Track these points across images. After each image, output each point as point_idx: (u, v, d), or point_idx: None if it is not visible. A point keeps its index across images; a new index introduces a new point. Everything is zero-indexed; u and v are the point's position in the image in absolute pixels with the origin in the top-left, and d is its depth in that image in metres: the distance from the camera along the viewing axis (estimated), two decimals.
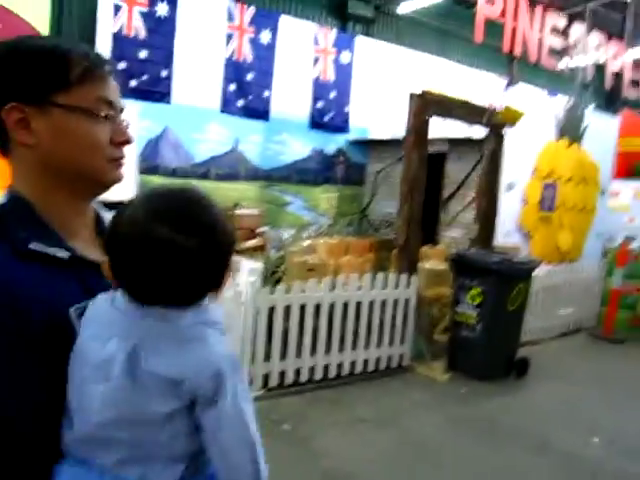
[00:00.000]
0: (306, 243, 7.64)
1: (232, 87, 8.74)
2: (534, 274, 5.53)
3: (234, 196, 8.97)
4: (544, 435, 4.07)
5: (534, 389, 5.06)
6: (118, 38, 7.76)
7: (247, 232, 7.84)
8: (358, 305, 4.85)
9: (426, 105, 5.11)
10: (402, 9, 10.45)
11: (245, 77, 8.81)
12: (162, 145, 8.43)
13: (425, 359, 5.22)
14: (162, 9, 8.01)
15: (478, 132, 6.94)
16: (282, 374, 4.51)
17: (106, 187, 1.01)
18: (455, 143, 8.54)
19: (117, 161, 1.01)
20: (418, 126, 5.15)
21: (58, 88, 0.93)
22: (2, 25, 7.17)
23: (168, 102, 8.25)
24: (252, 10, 8.71)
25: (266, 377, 4.44)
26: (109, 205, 1.09)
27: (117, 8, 7.71)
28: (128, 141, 1.02)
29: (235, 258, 4.84)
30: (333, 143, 10.04)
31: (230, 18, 8.57)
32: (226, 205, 8.15)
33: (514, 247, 7.51)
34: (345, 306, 4.76)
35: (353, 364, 4.90)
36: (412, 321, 5.22)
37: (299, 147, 9.68)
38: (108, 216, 1.01)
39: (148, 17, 7.91)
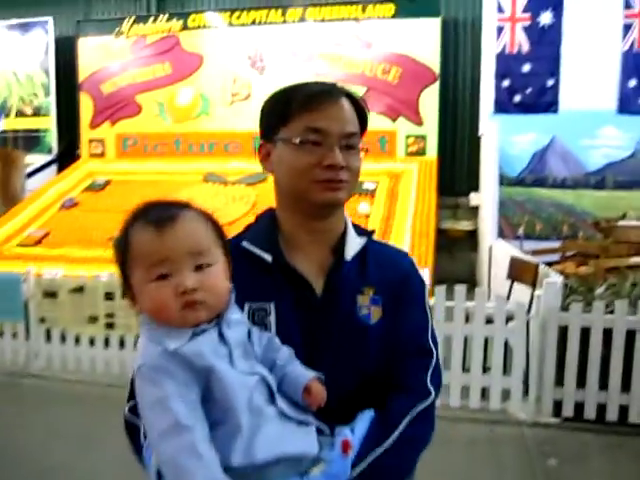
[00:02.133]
0: None
1: (632, 83, 7.73)
2: None
3: (635, 206, 7.85)
4: None
5: None
6: (501, 57, 8.04)
7: (632, 247, 6.78)
8: None
9: None
10: None
11: None
12: (549, 156, 8.20)
13: None
14: (546, 18, 7.86)
15: None
16: (581, 406, 3.94)
17: (319, 207, 1.11)
18: None
19: (325, 183, 1.08)
20: None
21: (281, 125, 1.10)
22: (402, 69, 8.50)
23: (555, 111, 7.99)
24: None
25: (559, 405, 3.97)
26: (364, 231, 1.20)
27: (500, 29, 8.00)
28: (334, 165, 1.07)
29: (542, 268, 4.52)
30: None
31: (627, 5, 7.61)
32: (607, 217, 7.26)
33: None
34: None
35: None
36: None
37: None
38: (356, 240, 1.16)
39: (531, 30, 7.90)
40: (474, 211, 8.68)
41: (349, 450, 0.96)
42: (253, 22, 9.07)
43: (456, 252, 8.89)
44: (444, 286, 3.97)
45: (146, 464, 0.99)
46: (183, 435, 0.85)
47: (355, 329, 1.10)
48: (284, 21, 8.98)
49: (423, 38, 8.34)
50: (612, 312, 3.85)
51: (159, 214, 0.96)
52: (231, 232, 1.12)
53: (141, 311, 0.98)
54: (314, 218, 1.13)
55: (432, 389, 1.11)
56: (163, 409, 0.86)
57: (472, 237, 8.72)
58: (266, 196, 7.73)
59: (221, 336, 0.95)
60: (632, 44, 7.65)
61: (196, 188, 7.91)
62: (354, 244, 1.16)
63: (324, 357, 1.07)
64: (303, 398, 0.98)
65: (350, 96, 1.13)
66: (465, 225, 8.56)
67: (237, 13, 9.06)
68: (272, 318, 1.07)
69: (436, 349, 1.16)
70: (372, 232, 1.21)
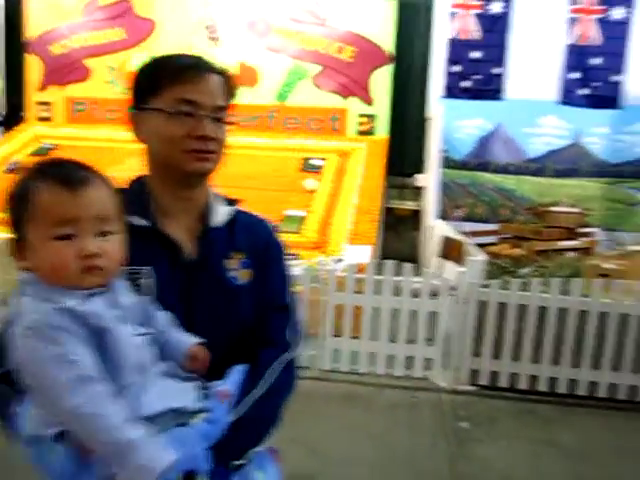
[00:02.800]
0: (636, 248, 6.52)
1: (574, 75, 8.06)
2: None
3: (574, 194, 8.27)
4: None
5: None
6: (453, 43, 8.22)
7: (564, 231, 7.19)
8: (603, 317, 4.08)
9: None
10: None
11: (591, 62, 7.97)
12: (493, 142, 8.50)
13: None
14: (497, 7, 8.07)
15: None
16: (495, 374, 4.24)
17: (189, 176, 1.16)
18: None
19: (195, 153, 1.13)
20: None
21: (152, 95, 1.13)
22: (358, 49, 8.61)
23: (501, 99, 8.24)
24: None
25: (475, 373, 4.27)
26: (231, 200, 1.27)
27: (453, 15, 8.17)
28: (204, 136, 1.12)
29: (467, 244, 4.78)
30: None
31: (574, 1, 7.90)
32: (542, 203, 7.65)
33: None
34: (583, 315, 4.08)
35: (594, 386, 4.14)
36: None
37: None
38: (224, 209, 1.23)
39: (483, 18, 8.10)
40: (420, 192, 8.93)
41: (226, 398, 1.07)
42: None
43: (402, 231, 9.16)
44: (374, 261, 4.18)
45: (16, 430, 0.99)
46: (91, 385, 0.87)
47: (225, 290, 1.19)
48: None
49: (379, 19, 8.42)
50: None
51: (70, 174, 0.96)
52: None
53: (28, 268, 0.96)
54: (183, 186, 1.18)
55: (292, 342, 1.24)
56: (65, 363, 0.86)
57: (418, 217, 8.99)
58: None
59: (113, 300, 0.98)
60: (576, 38, 7.96)
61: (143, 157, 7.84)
62: (220, 212, 1.23)
63: (199, 317, 1.15)
64: (188, 364, 1.05)
65: (220, 71, 1.18)
66: (411, 205, 8.81)
67: None
68: (150, 282, 1.12)
69: (294, 306, 1.29)
70: (239, 201, 1.29)
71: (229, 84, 1.20)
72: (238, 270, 1.21)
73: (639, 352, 4.07)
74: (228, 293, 1.20)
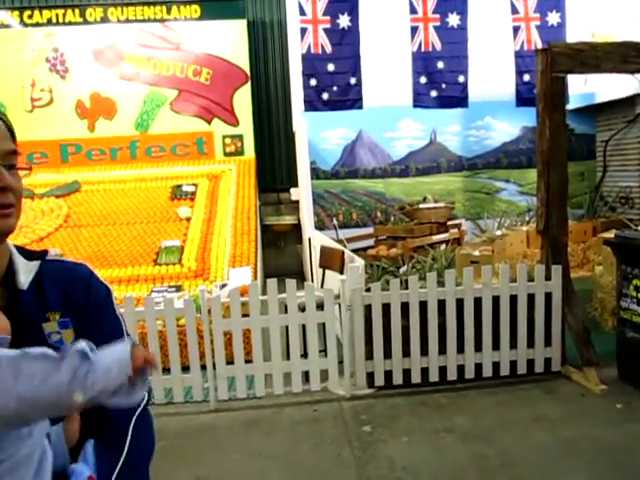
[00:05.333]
0: (497, 233, 7.04)
1: (423, 80, 8.58)
2: None
3: (437, 189, 8.79)
4: None
5: None
6: (307, 57, 8.42)
7: (434, 226, 7.61)
8: (478, 302, 4.34)
9: (554, 61, 4.26)
10: None
11: (436, 66, 8.55)
12: (358, 149, 8.80)
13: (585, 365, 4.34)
14: (344, 21, 8.39)
15: None
16: (389, 374, 4.35)
17: None
18: None
19: None
20: (546, 88, 4.32)
21: None
22: (213, 71, 8.55)
23: (360, 107, 8.56)
24: None
25: (372, 376, 4.35)
26: (35, 254, 1.13)
27: (303, 30, 8.38)
28: (4, 187, 0.98)
29: (345, 251, 4.85)
30: None
31: (413, 11, 8.44)
32: (410, 201, 8.05)
33: None
34: (460, 303, 4.32)
35: (479, 367, 4.39)
36: (558, 319, 4.39)
37: (506, 128, 8.90)
38: (28, 266, 1.09)
39: (332, 32, 8.38)
40: (296, 205, 9.05)
41: None
42: (49, 22, 8.47)
43: (284, 246, 9.22)
44: (255, 282, 4.12)
45: None
46: None
47: None
48: (84, 21, 8.52)
49: (231, 39, 8.46)
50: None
51: None
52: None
53: None
54: None
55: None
56: None
57: (298, 230, 9.10)
58: (79, 207, 7.32)
59: None
60: (419, 45, 8.50)
61: None
62: (26, 270, 1.08)
63: None
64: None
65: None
66: (288, 220, 8.90)
67: (28, 12, 8.40)
68: None
69: None
70: (44, 252, 1.13)
71: (10, 127, 1.05)
72: (60, 333, 1.07)
73: (513, 329, 4.37)
74: None
